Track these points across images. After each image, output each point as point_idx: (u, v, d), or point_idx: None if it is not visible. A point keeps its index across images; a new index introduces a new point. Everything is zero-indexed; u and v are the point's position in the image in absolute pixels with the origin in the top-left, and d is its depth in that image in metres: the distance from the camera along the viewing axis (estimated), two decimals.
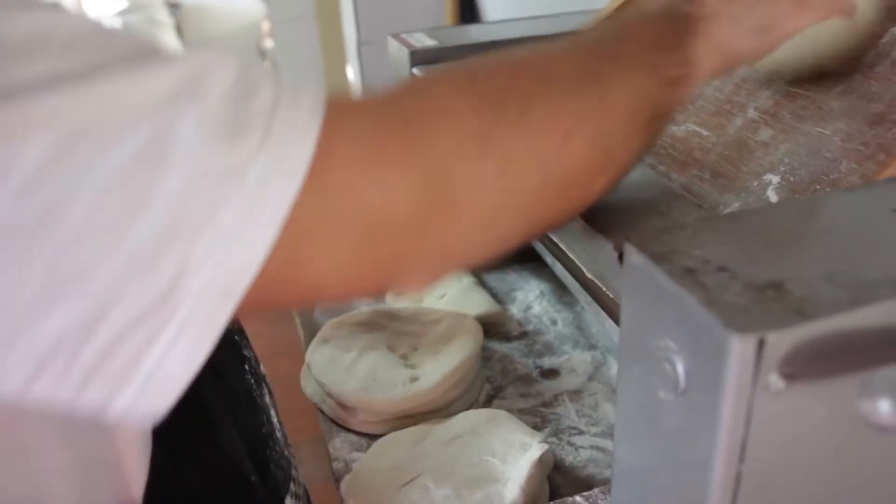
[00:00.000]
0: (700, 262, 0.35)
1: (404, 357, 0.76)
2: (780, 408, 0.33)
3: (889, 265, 0.35)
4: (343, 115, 0.32)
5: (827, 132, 0.59)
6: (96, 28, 0.31)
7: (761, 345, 0.31)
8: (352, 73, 2.32)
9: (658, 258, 0.35)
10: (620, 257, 0.38)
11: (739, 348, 0.30)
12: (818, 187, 0.56)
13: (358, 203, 0.32)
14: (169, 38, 4.22)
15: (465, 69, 0.39)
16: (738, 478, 0.35)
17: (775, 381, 0.32)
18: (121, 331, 0.28)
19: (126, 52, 0.30)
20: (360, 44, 2.00)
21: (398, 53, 0.95)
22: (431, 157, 0.34)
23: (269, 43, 3.79)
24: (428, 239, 0.35)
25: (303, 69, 3.31)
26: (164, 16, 4.23)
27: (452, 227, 0.35)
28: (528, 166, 0.37)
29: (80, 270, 0.27)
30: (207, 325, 0.29)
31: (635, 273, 0.37)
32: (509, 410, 0.71)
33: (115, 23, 3.95)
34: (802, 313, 0.31)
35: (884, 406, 0.27)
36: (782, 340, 0.31)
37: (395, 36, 0.98)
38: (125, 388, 0.29)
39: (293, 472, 0.65)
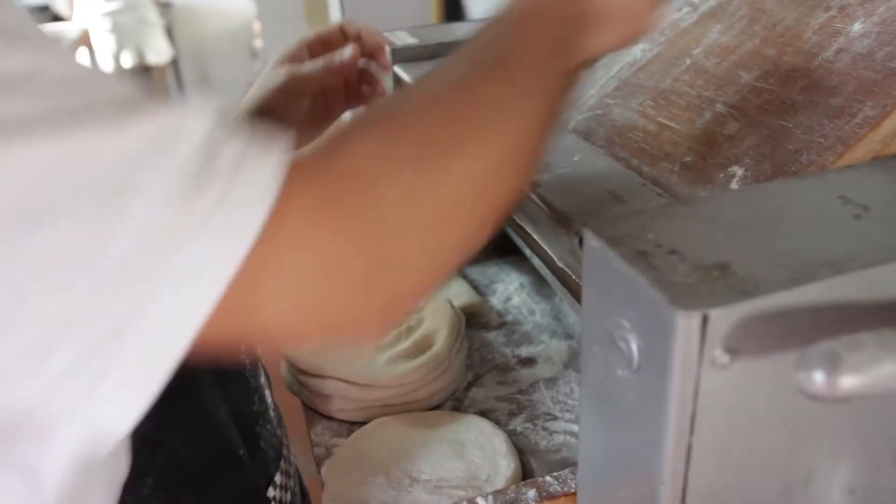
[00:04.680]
0: (653, 245, 0.37)
1: (383, 346, 0.78)
2: (726, 382, 0.35)
3: (830, 247, 0.36)
4: (297, 179, 0.34)
5: (789, 125, 0.60)
6: (83, 73, 0.33)
7: (705, 321, 0.32)
8: None
9: (613, 242, 0.37)
10: (580, 242, 0.40)
11: (684, 324, 0.32)
12: (780, 179, 0.57)
13: (307, 262, 0.35)
14: (158, 39, 4.22)
15: (388, 117, 0.41)
16: (689, 450, 0.36)
17: (720, 356, 0.34)
18: (73, 362, 0.30)
19: (108, 99, 0.32)
20: None
21: None
22: (374, 218, 0.36)
23: (259, 43, 3.79)
24: (376, 292, 0.37)
25: None
26: (154, 16, 4.23)
27: (398, 279, 0.38)
28: (464, 204, 0.39)
29: (35, 304, 0.29)
30: (158, 363, 0.32)
31: (593, 256, 0.39)
32: (486, 398, 0.73)
33: (105, 24, 3.95)
34: (745, 291, 0.33)
35: (817, 377, 0.29)
36: (725, 317, 0.33)
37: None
38: (81, 410, 0.31)
39: (284, 451, 0.67)
